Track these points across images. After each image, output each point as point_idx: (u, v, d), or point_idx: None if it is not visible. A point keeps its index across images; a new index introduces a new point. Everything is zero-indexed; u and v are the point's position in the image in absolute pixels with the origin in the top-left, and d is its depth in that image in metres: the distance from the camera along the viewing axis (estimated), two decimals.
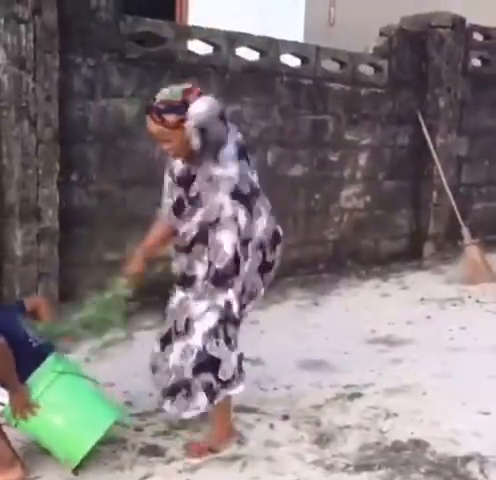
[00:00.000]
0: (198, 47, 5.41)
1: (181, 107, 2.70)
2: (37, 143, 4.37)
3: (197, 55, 5.33)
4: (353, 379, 3.83)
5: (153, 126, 2.77)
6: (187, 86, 2.79)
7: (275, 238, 3.00)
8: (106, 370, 3.79)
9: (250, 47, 5.68)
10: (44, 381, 2.75)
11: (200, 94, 2.76)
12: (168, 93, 2.77)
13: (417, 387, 3.74)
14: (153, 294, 4.95)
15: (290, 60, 6.00)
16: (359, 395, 3.62)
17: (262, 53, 5.73)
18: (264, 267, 2.97)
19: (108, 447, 2.96)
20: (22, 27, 4.24)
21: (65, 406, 2.77)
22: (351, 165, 6.55)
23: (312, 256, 6.29)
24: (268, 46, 5.71)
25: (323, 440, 3.08)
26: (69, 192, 4.68)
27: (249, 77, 5.60)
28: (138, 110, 5.00)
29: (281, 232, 3.06)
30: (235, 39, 5.47)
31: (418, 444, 3.07)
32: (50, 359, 2.82)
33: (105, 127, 4.87)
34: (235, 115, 5.55)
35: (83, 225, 4.81)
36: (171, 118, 2.70)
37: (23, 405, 2.71)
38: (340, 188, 6.50)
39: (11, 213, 4.35)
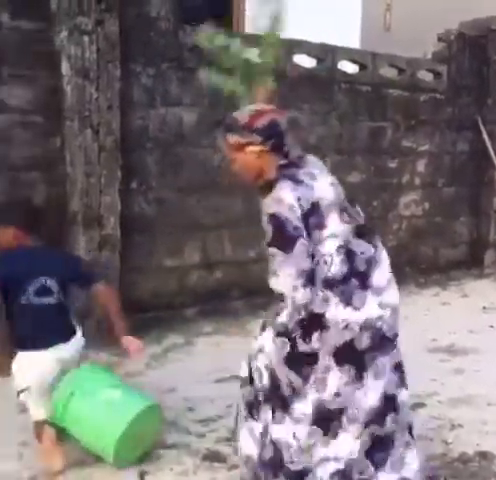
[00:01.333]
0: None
1: (243, 130, 2.41)
2: (99, 151, 4.45)
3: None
4: (415, 388, 3.72)
5: (221, 141, 2.54)
6: (259, 108, 2.52)
7: None
8: (166, 376, 3.84)
9: (308, 54, 5.68)
10: (60, 403, 2.82)
11: (272, 120, 2.42)
12: (240, 111, 2.50)
13: (481, 397, 3.65)
14: (212, 300, 5.00)
15: (348, 66, 5.98)
16: (422, 405, 3.56)
17: (319, 60, 5.73)
18: None
19: (173, 452, 2.99)
20: (85, 38, 4.34)
21: (83, 420, 2.83)
22: (409, 172, 6.47)
23: None
24: (325, 53, 5.71)
25: None
26: (130, 199, 4.75)
27: (307, 84, 5.60)
28: (197, 118, 5.06)
29: None
30: (292, 46, 5.48)
31: (485, 456, 2.99)
32: (65, 378, 2.85)
33: (164, 135, 4.93)
34: (293, 122, 5.55)
35: (143, 232, 4.87)
36: (233, 139, 2.44)
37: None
38: (398, 195, 6.43)
39: (75, 220, 4.43)
